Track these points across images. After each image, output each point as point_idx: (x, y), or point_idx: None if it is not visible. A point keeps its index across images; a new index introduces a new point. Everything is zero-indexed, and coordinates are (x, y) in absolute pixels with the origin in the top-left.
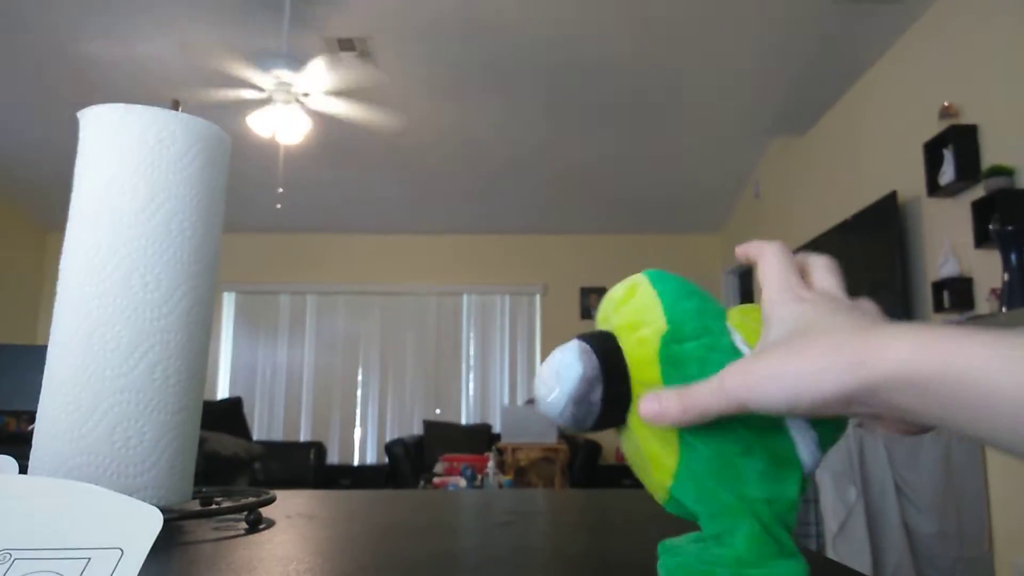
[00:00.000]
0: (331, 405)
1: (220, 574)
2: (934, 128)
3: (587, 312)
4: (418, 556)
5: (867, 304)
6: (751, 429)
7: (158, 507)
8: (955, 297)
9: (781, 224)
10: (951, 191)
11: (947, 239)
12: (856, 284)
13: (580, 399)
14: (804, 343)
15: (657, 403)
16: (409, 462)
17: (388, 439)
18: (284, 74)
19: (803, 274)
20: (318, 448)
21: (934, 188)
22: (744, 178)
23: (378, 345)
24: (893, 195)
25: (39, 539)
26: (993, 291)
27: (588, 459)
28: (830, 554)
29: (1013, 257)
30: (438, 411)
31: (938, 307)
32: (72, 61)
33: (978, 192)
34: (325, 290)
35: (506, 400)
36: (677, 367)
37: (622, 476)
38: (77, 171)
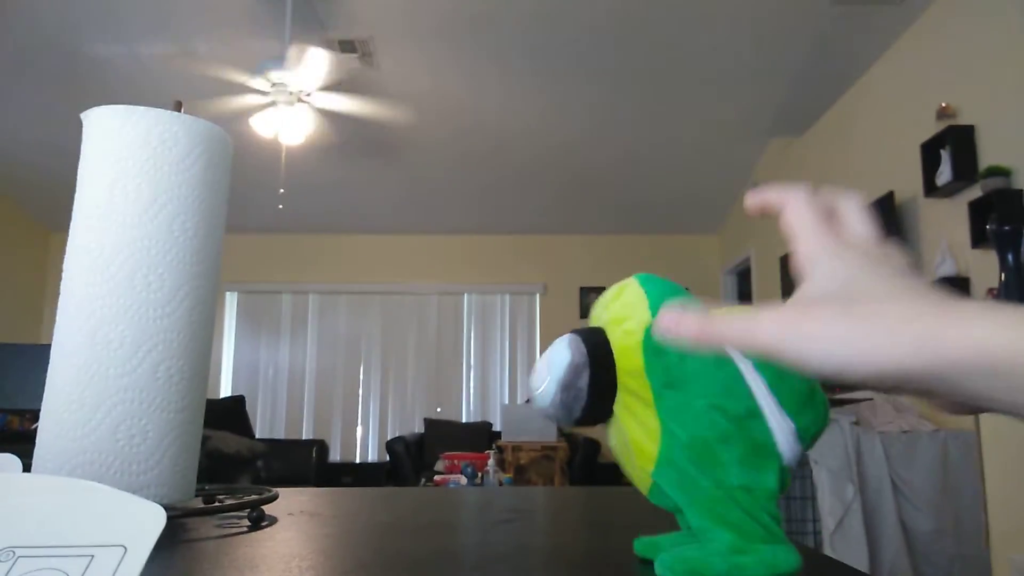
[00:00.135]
0: (333, 403)
1: (223, 571)
2: (931, 129)
3: (586, 311)
4: (419, 553)
5: (897, 255)
6: (729, 418)
7: (161, 505)
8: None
9: (779, 225)
10: (948, 191)
11: (944, 239)
12: None
13: (568, 385)
14: (862, 308)
15: (676, 317)
16: (410, 460)
17: (389, 437)
18: (286, 75)
19: (833, 218)
20: (320, 446)
21: (931, 188)
22: (742, 179)
23: (379, 344)
24: (890, 195)
25: (42, 537)
26: (990, 291)
27: (587, 457)
28: (827, 551)
29: (1010, 257)
30: (439, 409)
31: None
32: (75, 63)
33: (975, 192)
34: (327, 290)
35: (506, 398)
36: (659, 355)
37: (621, 474)
38: (80, 172)
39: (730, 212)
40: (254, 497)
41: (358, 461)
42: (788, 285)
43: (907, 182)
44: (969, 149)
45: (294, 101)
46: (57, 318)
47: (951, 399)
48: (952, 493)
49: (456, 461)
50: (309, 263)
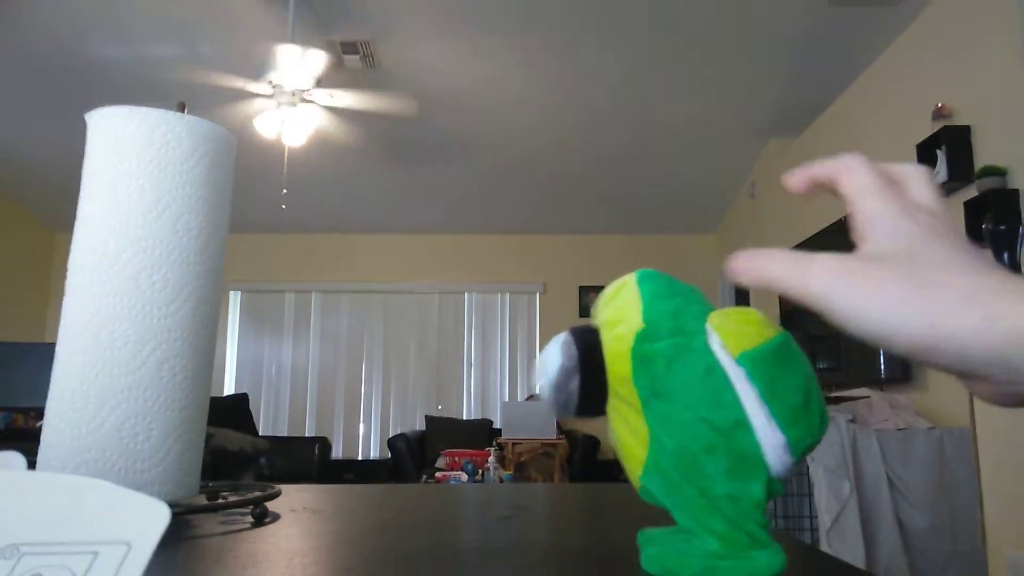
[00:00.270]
0: (335, 401)
1: (226, 567)
2: (927, 129)
3: (585, 311)
4: (420, 549)
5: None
6: (715, 429)
7: (165, 502)
8: None
9: (777, 224)
10: (944, 191)
11: None
12: None
13: (559, 387)
14: (926, 275)
15: (736, 258)
16: (411, 457)
17: (391, 434)
18: (288, 76)
19: (894, 186)
20: (322, 443)
21: None
22: (740, 179)
23: (381, 342)
24: None
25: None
26: None
27: (587, 454)
28: (824, 548)
29: (1005, 256)
30: (440, 407)
31: None
32: (80, 64)
33: (971, 192)
34: (329, 289)
35: (506, 396)
36: (646, 364)
37: (620, 471)
38: (85, 172)
39: (728, 212)
40: (257, 494)
41: (360, 458)
42: None
43: None
44: (965, 149)
45: (296, 102)
46: (61, 317)
47: (1006, 385)
48: (948, 490)
49: (457, 458)
50: (312, 262)
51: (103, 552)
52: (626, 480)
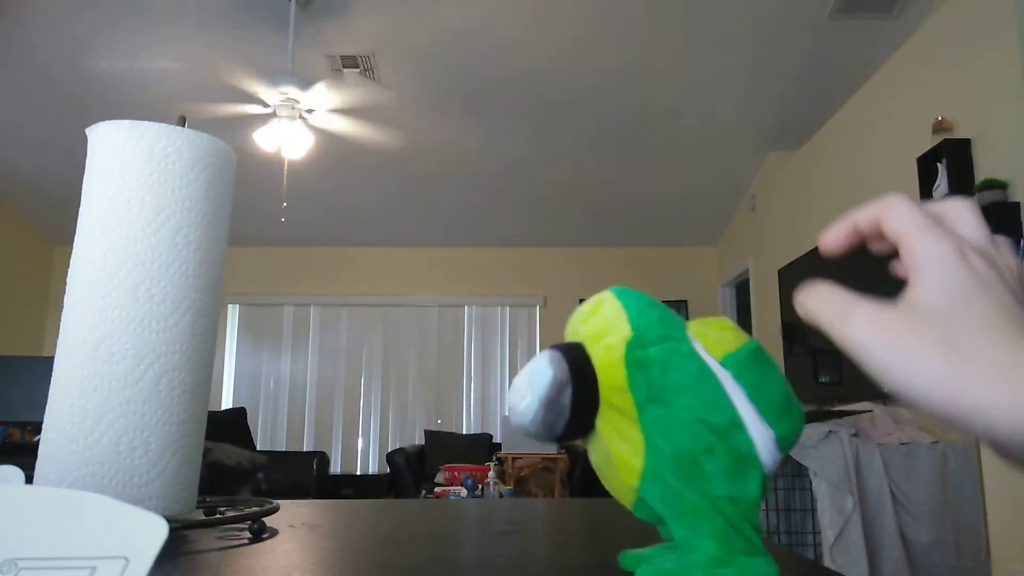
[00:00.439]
0: (334, 415)
1: None
2: (928, 142)
3: None
4: (419, 564)
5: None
6: (713, 430)
7: (163, 516)
8: None
9: (777, 237)
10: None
11: None
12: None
13: (551, 402)
14: (967, 341)
15: (799, 289)
16: (410, 472)
17: (390, 449)
18: (288, 90)
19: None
20: (321, 458)
21: (928, 201)
22: (740, 192)
23: (380, 356)
24: None
25: (44, 548)
26: None
27: (587, 469)
28: (827, 563)
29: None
30: (439, 421)
31: None
32: (80, 78)
33: None
34: (328, 302)
35: (506, 410)
36: (641, 369)
37: None
38: (85, 186)
39: (728, 225)
40: (255, 509)
41: (359, 473)
42: (786, 298)
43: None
44: (965, 162)
45: (296, 116)
46: (60, 330)
47: None
48: (952, 505)
49: (456, 473)
50: (311, 276)
51: (101, 567)
52: None
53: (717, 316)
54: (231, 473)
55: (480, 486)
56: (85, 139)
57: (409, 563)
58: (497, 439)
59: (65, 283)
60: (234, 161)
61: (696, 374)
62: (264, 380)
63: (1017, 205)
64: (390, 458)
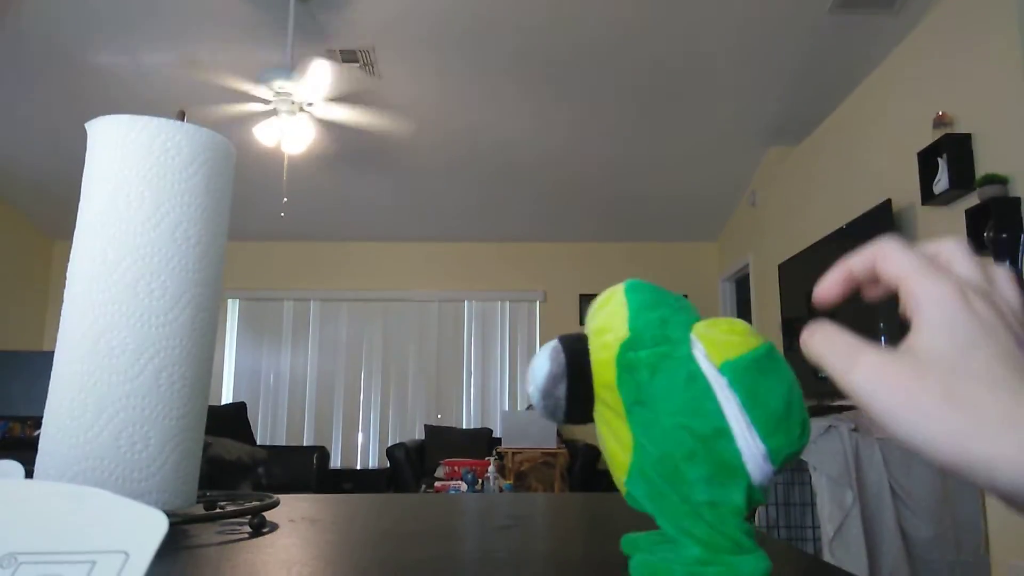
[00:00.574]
0: (334, 410)
1: None
2: (928, 137)
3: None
4: (419, 560)
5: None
6: (696, 437)
7: (163, 511)
8: None
9: (777, 232)
10: (945, 199)
11: None
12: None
13: (547, 393)
14: (964, 385)
15: (805, 328)
16: (410, 466)
17: (390, 443)
18: (288, 85)
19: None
20: (321, 452)
21: (928, 196)
22: (741, 187)
23: (380, 351)
24: (888, 203)
25: (44, 543)
26: None
27: (587, 463)
28: (827, 557)
29: (1007, 264)
30: (439, 416)
31: None
32: (80, 72)
33: (972, 200)
34: (328, 297)
35: (506, 405)
36: (630, 372)
37: None
38: (85, 181)
39: (728, 220)
40: (255, 503)
41: (359, 467)
42: (786, 292)
43: (904, 190)
44: (966, 157)
45: (296, 110)
46: (60, 325)
47: None
48: (951, 500)
49: (456, 467)
50: (310, 270)
51: (101, 561)
52: None
53: (713, 314)
54: (231, 468)
55: (480, 481)
56: (85, 134)
57: (410, 558)
58: (497, 434)
59: (65, 278)
60: (234, 155)
61: (684, 380)
62: (264, 375)
63: (1018, 200)
64: (390, 453)
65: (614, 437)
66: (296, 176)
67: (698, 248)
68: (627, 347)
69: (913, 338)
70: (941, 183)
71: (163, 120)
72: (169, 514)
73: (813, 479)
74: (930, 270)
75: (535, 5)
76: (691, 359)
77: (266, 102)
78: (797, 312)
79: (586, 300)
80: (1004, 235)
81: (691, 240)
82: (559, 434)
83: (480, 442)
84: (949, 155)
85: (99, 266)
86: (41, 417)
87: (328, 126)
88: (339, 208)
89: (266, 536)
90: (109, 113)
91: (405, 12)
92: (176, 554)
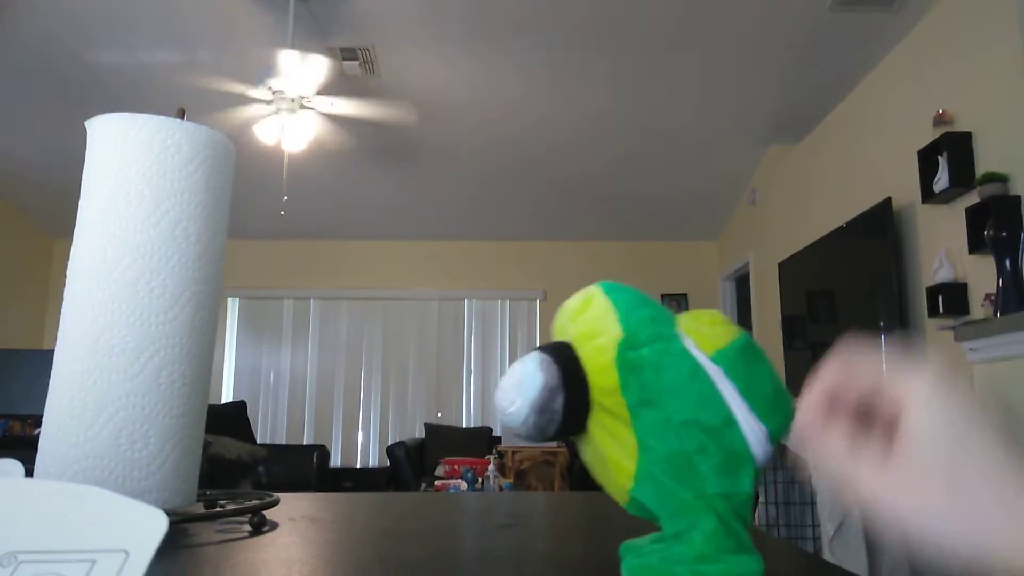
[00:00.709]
0: (334, 409)
1: None
2: (928, 135)
3: None
4: (419, 558)
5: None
6: (706, 430)
7: (163, 510)
8: (949, 302)
9: (777, 230)
10: (945, 198)
11: (942, 245)
12: (851, 290)
13: (542, 408)
14: (966, 482)
15: (801, 412)
16: (410, 465)
17: (390, 442)
18: (288, 83)
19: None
20: (321, 451)
21: (928, 195)
22: (741, 185)
23: (380, 349)
24: (888, 201)
25: (45, 541)
26: (987, 296)
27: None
28: (826, 556)
29: (1007, 263)
30: (439, 414)
31: (932, 312)
32: (79, 70)
33: (972, 199)
34: (328, 295)
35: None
36: (634, 372)
37: None
38: (84, 179)
39: (729, 218)
40: (255, 502)
41: (359, 466)
42: (786, 291)
43: (905, 188)
44: (966, 155)
45: (296, 108)
46: (60, 324)
47: None
48: None
49: (456, 466)
50: (310, 269)
51: (101, 560)
52: None
53: (710, 309)
54: (231, 466)
55: (480, 479)
56: (84, 132)
57: (410, 556)
58: (497, 432)
59: (65, 276)
60: (233, 153)
61: (689, 374)
62: (264, 373)
63: (1018, 198)
64: (390, 451)
65: (617, 444)
66: (296, 174)
67: (698, 247)
68: (625, 347)
69: (908, 447)
70: (941, 181)
71: (163, 118)
72: (169, 513)
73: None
74: (905, 375)
75: (533, 1)
76: (688, 353)
77: (266, 101)
78: (797, 310)
79: None
80: (1004, 233)
81: (691, 239)
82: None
83: (480, 441)
84: (949, 153)
85: (99, 264)
86: (41, 416)
87: (328, 125)
88: (339, 206)
89: (266, 535)
90: (109, 111)
91: (405, 12)
92: (176, 553)
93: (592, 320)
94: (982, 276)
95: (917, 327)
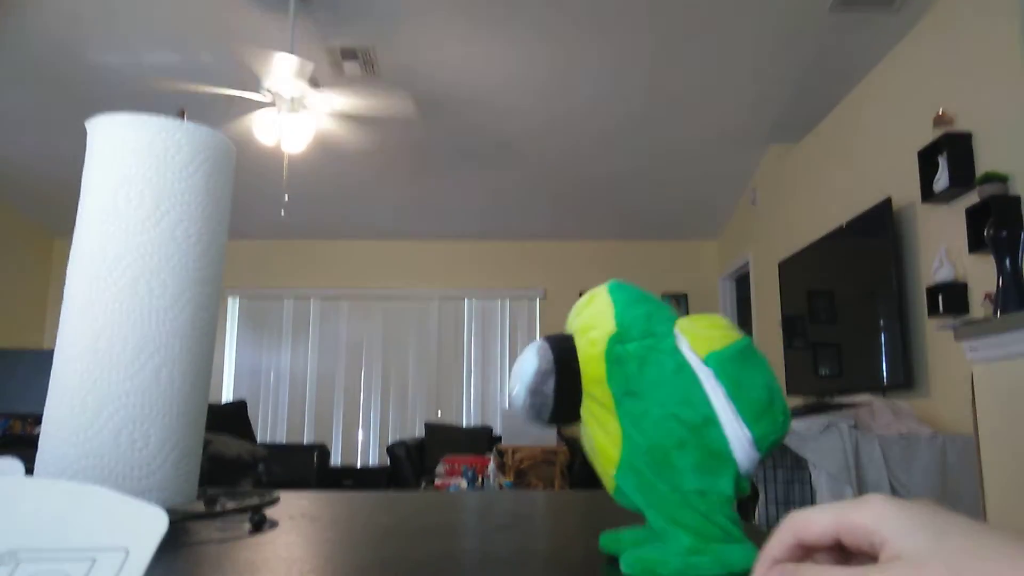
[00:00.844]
0: (334, 408)
1: (224, 575)
2: (928, 135)
3: None
4: (419, 557)
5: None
6: (685, 426)
7: (163, 508)
8: (949, 302)
9: (777, 230)
10: (945, 197)
11: (942, 245)
12: (851, 289)
13: (535, 390)
14: (971, 564)
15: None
16: (411, 464)
17: (390, 441)
18: (288, 83)
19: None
20: (321, 450)
21: (928, 194)
22: (741, 185)
23: (380, 348)
24: (888, 201)
25: (45, 540)
26: (987, 295)
27: (587, 461)
28: None
29: (1007, 262)
30: (439, 413)
31: (932, 312)
32: (80, 70)
33: (972, 198)
34: (328, 295)
35: (506, 402)
36: (619, 364)
37: None
38: (85, 179)
39: (729, 218)
40: (255, 501)
41: (359, 465)
42: (786, 291)
43: (905, 188)
44: (966, 155)
45: (296, 109)
46: (60, 323)
47: None
48: (951, 497)
49: (456, 465)
50: (310, 268)
51: (101, 559)
52: None
53: (713, 312)
54: (231, 465)
55: (480, 478)
56: (85, 132)
57: (410, 556)
58: (497, 431)
59: (65, 276)
60: (234, 154)
61: (672, 370)
62: (264, 373)
63: (1018, 199)
64: (390, 450)
65: (603, 432)
66: (296, 174)
67: (698, 246)
68: (615, 340)
69: (892, 549)
70: (941, 181)
71: (163, 118)
72: (169, 511)
73: (813, 477)
74: (861, 502)
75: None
76: (677, 351)
77: (266, 102)
78: (797, 310)
79: None
80: (1004, 233)
81: (691, 238)
82: (559, 432)
83: (480, 439)
84: (949, 153)
85: (99, 264)
86: (41, 415)
87: (328, 125)
88: (339, 206)
89: (266, 533)
90: (109, 111)
91: (405, 10)
92: (176, 551)
93: (592, 315)
94: (982, 276)
95: (917, 327)
